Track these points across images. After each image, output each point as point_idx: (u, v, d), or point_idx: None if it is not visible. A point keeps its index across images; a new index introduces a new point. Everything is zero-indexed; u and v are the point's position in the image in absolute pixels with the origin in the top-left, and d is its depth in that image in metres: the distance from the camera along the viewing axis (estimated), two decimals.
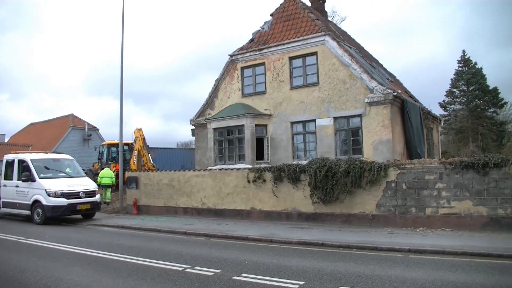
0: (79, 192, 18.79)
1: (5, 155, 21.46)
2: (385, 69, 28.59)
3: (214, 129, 22.64)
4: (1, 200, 20.71)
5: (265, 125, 21.70)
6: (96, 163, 31.97)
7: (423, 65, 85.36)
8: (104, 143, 33.00)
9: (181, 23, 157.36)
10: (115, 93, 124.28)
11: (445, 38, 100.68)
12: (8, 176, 20.45)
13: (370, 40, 68.71)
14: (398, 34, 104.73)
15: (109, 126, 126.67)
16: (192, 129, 25.52)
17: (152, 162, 27.00)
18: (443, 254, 10.23)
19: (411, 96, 26.77)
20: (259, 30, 23.57)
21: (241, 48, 23.31)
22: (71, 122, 46.04)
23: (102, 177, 24.25)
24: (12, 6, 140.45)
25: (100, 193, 20.94)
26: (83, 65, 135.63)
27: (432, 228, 13.33)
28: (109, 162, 28.95)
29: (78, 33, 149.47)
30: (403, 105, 19.72)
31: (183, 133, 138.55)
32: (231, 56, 23.43)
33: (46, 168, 19.60)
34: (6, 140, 54.68)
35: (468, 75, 49.45)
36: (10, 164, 20.44)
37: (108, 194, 24.39)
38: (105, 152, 30.50)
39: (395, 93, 18.50)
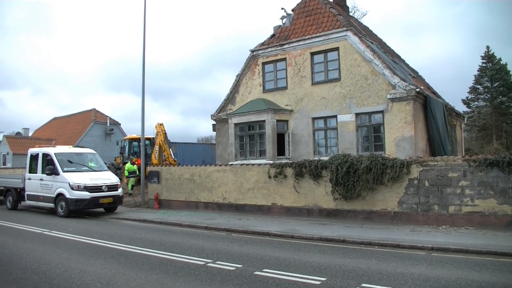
0: (102, 186, 19.03)
1: (30, 149, 21.82)
2: (407, 65, 28.29)
3: (235, 124, 22.69)
4: (26, 193, 21.10)
5: (286, 121, 21.67)
6: (118, 157, 32.31)
7: (439, 62, 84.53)
8: (126, 137, 33.32)
9: (196, 19, 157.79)
10: (134, 89, 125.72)
11: (460, 36, 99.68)
12: (32, 170, 20.81)
13: (387, 36, 68.36)
14: (412, 31, 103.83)
15: (129, 121, 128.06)
16: (213, 124, 25.63)
17: (173, 157, 27.19)
18: (467, 253, 10.10)
19: (434, 92, 26.46)
20: (280, 26, 23.52)
21: (262, 44, 23.29)
22: (94, 117, 46.60)
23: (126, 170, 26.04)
24: (31, 6, 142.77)
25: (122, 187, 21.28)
26: (102, 61, 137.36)
27: (455, 226, 13.17)
28: (131, 157, 29.25)
29: (97, 31, 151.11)
30: (426, 102, 19.50)
31: (202, 128, 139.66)
32: (252, 51, 23.43)
33: (70, 162, 19.87)
34: (30, 134, 55.68)
35: (492, 71, 48.74)
36: (34, 157, 20.79)
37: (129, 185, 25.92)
38: (127, 147, 30.82)
39: (418, 89, 18.31)
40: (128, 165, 26.27)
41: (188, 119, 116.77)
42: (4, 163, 46.29)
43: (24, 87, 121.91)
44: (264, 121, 21.43)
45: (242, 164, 19.22)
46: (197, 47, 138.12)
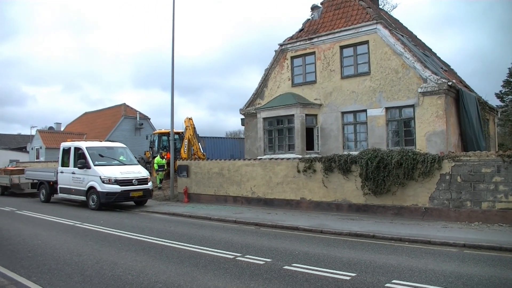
0: (132, 180, 19.28)
1: (62, 143, 22.25)
2: (438, 58, 27.77)
3: (264, 118, 22.69)
4: (58, 186, 21.54)
5: (315, 115, 21.56)
6: (147, 151, 32.67)
7: (466, 56, 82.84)
8: (155, 132, 33.65)
9: (222, 13, 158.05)
10: (161, 84, 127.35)
11: (488, 29, 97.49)
12: (64, 163, 21.23)
13: (411, 29, 67.38)
14: (437, 24, 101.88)
15: (158, 116, 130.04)
16: (242, 119, 25.68)
17: (202, 151, 27.36)
18: (500, 251, 9.88)
19: (466, 86, 25.92)
20: (308, 19, 23.39)
21: (291, 38, 23.20)
22: (124, 112, 47.23)
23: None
24: (63, 5, 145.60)
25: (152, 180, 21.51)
26: (131, 58, 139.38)
27: (488, 223, 12.89)
28: (160, 151, 29.56)
29: (125, 28, 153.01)
30: (459, 95, 19.12)
31: (230, 123, 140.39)
32: (281, 45, 23.37)
33: (101, 155, 20.20)
34: (62, 129, 56.89)
35: None
36: (66, 151, 21.20)
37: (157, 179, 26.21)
38: (156, 141, 31.15)
39: (449, 83, 17.97)
40: (157, 159, 26.57)
41: (215, 114, 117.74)
42: (38, 157, 47.40)
43: (55, 84, 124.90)
44: (293, 115, 21.37)
45: (271, 159, 19.21)
46: (222, 41, 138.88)
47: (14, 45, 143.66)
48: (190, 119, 26.94)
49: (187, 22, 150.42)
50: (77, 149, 20.49)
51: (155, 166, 26.43)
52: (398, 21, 28.33)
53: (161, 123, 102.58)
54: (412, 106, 18.62)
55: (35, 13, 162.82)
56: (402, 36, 21.48)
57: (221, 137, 40.05)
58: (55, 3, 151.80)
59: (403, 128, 19.15)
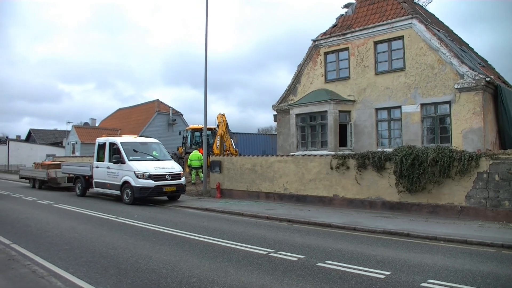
0: (166, 175, 19.50)
1: (97, 138, 22.71)
2: (476, 53, 27.10)
3: (297, 115, 22.63)
4: (94, 180, 21.98)
5: (349, 112, 21.38)
6: (180, 147, 32.98)
7: (498, 52, 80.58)
8: (188, 127, 33.91)
9: (250, 11, 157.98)
10: (192, 82, 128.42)
11: None
12: (100, 158, 21.65)
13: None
14: (468, 20, 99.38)
15: (189, 112, 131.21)
16: (274, 115, 25.64)
17: (234, 147, 27.44)
18: None
19: (505, 82, 25.23)
20: (342, 15, 23.19)
21: (324, 33, 23.04)
22: (157, 108, 47.85)
23: (192, 160, 25.52)
24: (96, 6, 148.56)
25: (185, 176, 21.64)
26: (163, 56, 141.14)
27: None
28: (193, 146, 29.76)
29: (157, 27, 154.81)
30: (497, 92, 18.65)
31: (260, 119, 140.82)
32: (314, 41, 23.23)
33: (135, 151, 20.50)
34: (97, 124, 58.05)
35: None
36: (101, 146, 21.61)
37: (198, 175, 25.97)
38: (189, 137, 31.39)
39: (487, 79, 17.54)
40: (198, 155, 26.21)
41: (245, 110, 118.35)
42: (73, 152, 48.54)
43: (89, 81, 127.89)
44: (326, 111, 21.24)
45: (303, 155, 19.13)
46: (250, 38, 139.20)
47: (51, 44, 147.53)
48: (223, 115, 27.04)
49: (216, 17, 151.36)
50: (112, 144, 20.85)
51: (198, 163, 25.53)
52: (434, 15, 27.76)
53: (193, 119, 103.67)
54: (448, 102, 18.26)
55: (71, 13, 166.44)
56: (438, 31, 21.06)
57: (253, 133, 40.13)
58: (90, 2, 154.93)
59: (438, 125, 18.81)
